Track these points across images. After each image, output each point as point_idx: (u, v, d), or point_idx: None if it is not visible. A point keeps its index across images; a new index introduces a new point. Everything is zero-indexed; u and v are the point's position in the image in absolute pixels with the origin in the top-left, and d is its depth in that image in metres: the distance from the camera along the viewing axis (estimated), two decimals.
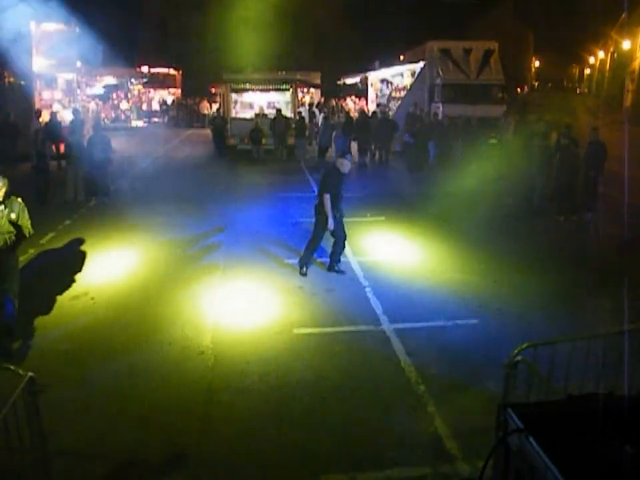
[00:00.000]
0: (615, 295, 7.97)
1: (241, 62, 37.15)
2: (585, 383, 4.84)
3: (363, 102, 34.54)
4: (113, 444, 5.33)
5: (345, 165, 9.50)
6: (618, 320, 5.17)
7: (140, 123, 36.39)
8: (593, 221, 12.75)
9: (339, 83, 41.77)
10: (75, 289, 8.92)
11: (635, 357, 5.07)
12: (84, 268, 9.90)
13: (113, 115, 35.76)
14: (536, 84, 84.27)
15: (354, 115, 27.54)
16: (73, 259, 10.33)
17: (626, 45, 46.35)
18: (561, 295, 8.73)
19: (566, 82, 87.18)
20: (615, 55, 55.34)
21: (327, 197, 9.24)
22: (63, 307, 8.28)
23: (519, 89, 62.05)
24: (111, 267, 10.02)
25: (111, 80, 36.24)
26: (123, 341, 7.26)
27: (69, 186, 14.68)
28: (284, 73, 28.62)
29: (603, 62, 61.58)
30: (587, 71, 77.12)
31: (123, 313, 8.14)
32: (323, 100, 35.09)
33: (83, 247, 10.98)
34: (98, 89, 36.04)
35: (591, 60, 69.22)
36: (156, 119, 40.65)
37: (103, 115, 32.98)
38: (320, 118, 26.15)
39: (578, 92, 75.33)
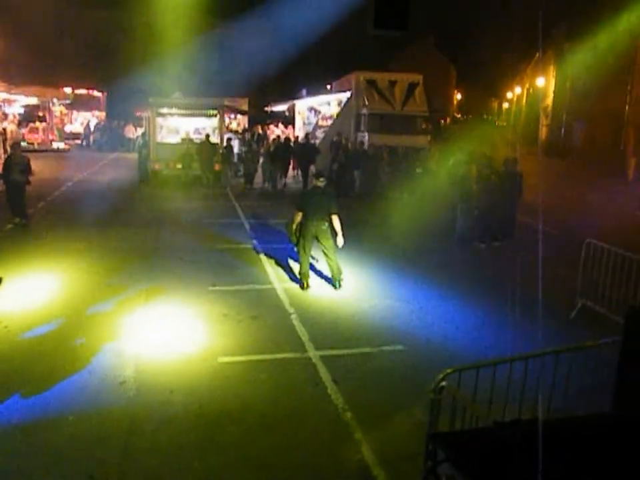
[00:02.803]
0: (536, 318, 8.21)
1: (167, 86, 36.78)
2: (509, 404, 4.95)
3: (290, 129, 34.78)
4: None
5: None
6: (538, 342, 5.32)
7: (62, 145, 35.33)
8: (512, 248, 13.16)
9: (266, 109, 41.96)
10: None
11: (555, 378, 5.22)
12: None
13: (34, 136, 34.54)
14: (458, 116, 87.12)
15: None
16: None
17: (540, 81, 48.73)
18: (483, 320, 8.95)
19: (486, 115, 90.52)
20: (531, 90, 58.08)
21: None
22: None
23: (442, 121, 64.02)
24: (27, 293, 9.57)
25: (31, 100, 35.13)
26: (39, 371, 6.93)
27: None
28: (211, 98, 28.50)
29: (519, 97, 64.51)
30: (506, 105, 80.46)
31: (40, 341, 7.78)
32: (244, 127, 35.04)
33: None
34: (17, 109, 34.84)
35: (509, 95, 72.35)
36: (79, 142, 39.65)
37: (22, 136, 31.91)
38: (235, 145, 26.12)
39: (497, 124, 78.28)
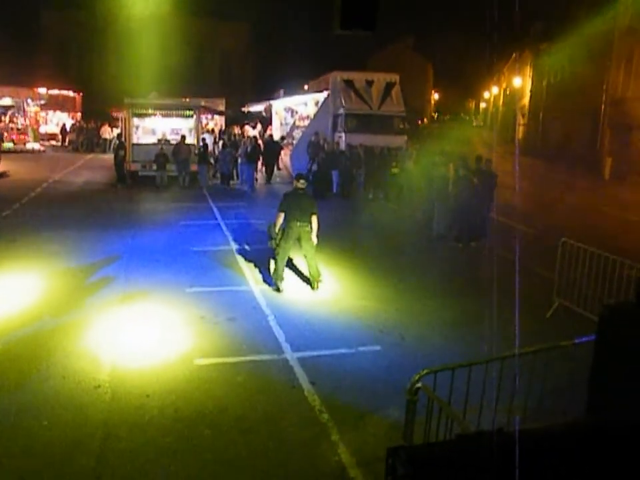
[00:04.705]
0: (512, 318, 8.28)
1: (144, 86, 36.47)
2: (485, 404, 4.96)
3: (264, 130, 34.66)
4: None
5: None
6: (513, 343, 5.34)
7: (37, 146, 34.87)
8: (489, 247, 13.25)
9: (243, 110, 41.78)
10: None
11: (531, 377, 5.25)
12: None
13: (7, 137, 34.03)
14: (435, 116, 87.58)
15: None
16: None
17: (517, 82, 49.11)
18: (460, 320, 8.98)
19: (463, 114, 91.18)
20: (507, 90, 58.54)
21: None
22: None
23: (419, 120, 64.29)
24: (1, 297, 9.44)
25: (5, 100, 34.65)
26: (13, 376, 6.83)
27: None
28: (188, 99, 28.33)
29: (496, 97, 64.98)
30: (483, 105, 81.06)
31: (14, 345, 7.66)
32: (220, 128, 34.82)
33: None
34: None
35: (486, 95, 72.88)
36: (54, 143, 39.18)
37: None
38: (214, 145, 26.08)
39: (474, 124, 78.85)
